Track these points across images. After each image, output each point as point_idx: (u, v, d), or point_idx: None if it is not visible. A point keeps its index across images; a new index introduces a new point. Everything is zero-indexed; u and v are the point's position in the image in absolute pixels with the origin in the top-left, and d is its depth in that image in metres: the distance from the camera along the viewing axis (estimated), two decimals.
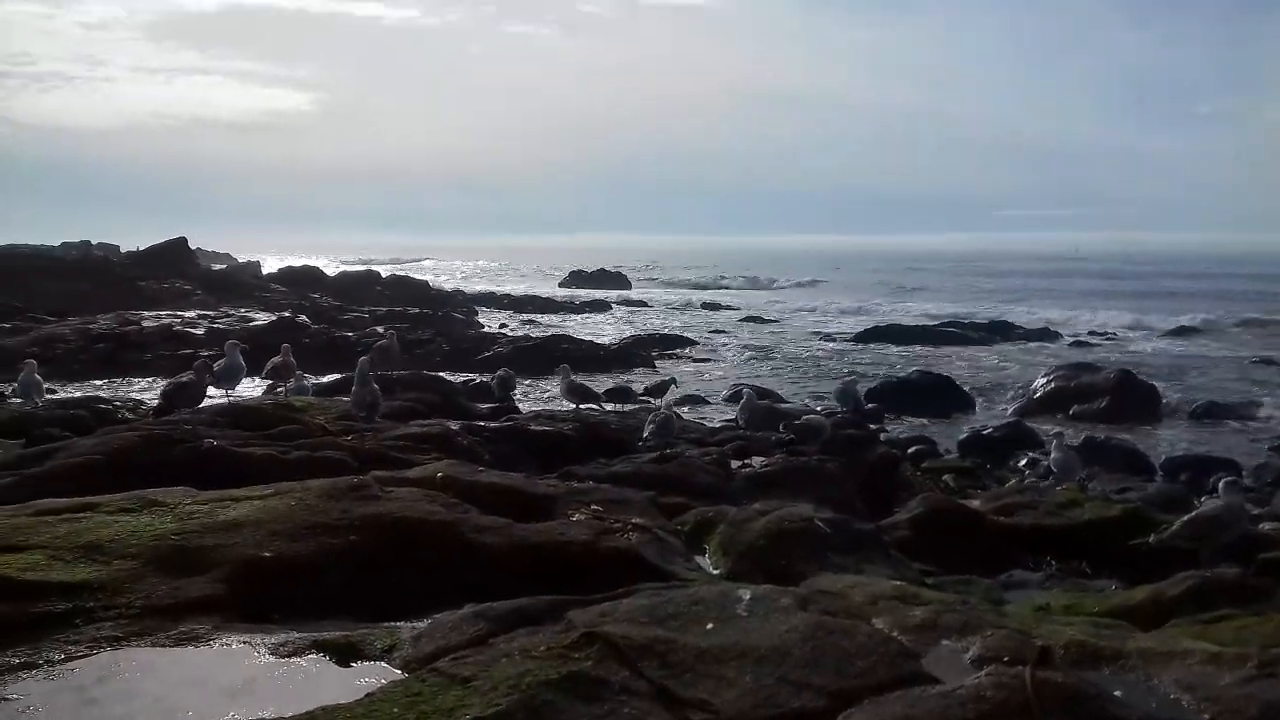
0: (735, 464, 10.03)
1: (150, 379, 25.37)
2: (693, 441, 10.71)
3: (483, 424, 10.21)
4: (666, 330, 42.63)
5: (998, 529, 8.03)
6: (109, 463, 6.24)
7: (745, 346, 38.39)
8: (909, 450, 17.20)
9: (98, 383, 24.25)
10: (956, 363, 33.50)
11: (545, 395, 24.42)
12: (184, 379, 7.98)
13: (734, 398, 25.61)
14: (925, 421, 23.20)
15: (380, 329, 36.61)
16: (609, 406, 14.78)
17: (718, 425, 15.27)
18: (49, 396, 19.49)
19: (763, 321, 50.16)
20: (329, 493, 5.13)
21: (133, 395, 21.68)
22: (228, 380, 9.52)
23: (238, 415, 8.59)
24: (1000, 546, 7.95)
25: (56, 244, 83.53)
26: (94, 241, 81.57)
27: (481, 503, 5.66)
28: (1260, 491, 16.15)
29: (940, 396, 25.47)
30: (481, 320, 47.38)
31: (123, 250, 68.25)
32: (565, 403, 13.33)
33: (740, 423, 12.62)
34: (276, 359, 11.93)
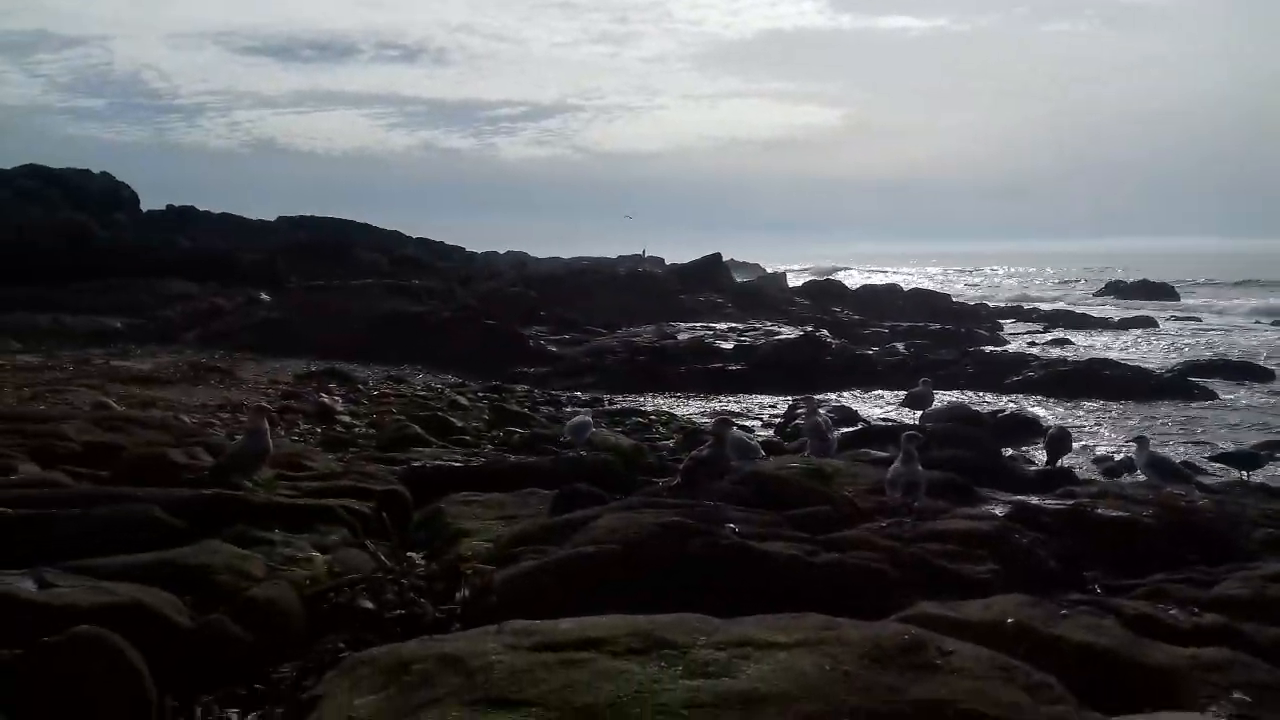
0: None
1: (678, 394, 27.02)
2: None
3: (1036, 503, 8.51)
4: (1231, 356, 35.49)
5: None
6: (625, 556, 5.71)
7: None
8: None
9: (637, 397, 26.19)
10: None
11: (1085, 428, 21.48)
12: (703, 453, 7.44)
13: None
14: None
15: (899, 346, 35.69)
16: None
17: None
18: (599, 408, 21.36)
19: None
20: (871, 652, 3.93)
21: (664, 408, 23.18)
22: (745, 456, 8.73)
23: (760, 485, 7.88)
24: None
25: (614, 256, 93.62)
26: (645, 254, 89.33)
27: (1065, 669, 4.16)
28: None
29: None
30: (1006, 337, 44.20)
31: (667, 263, 74.74)
32: (1139, 473, 10.99)
33: None
34: (807, 419, 11.13)
